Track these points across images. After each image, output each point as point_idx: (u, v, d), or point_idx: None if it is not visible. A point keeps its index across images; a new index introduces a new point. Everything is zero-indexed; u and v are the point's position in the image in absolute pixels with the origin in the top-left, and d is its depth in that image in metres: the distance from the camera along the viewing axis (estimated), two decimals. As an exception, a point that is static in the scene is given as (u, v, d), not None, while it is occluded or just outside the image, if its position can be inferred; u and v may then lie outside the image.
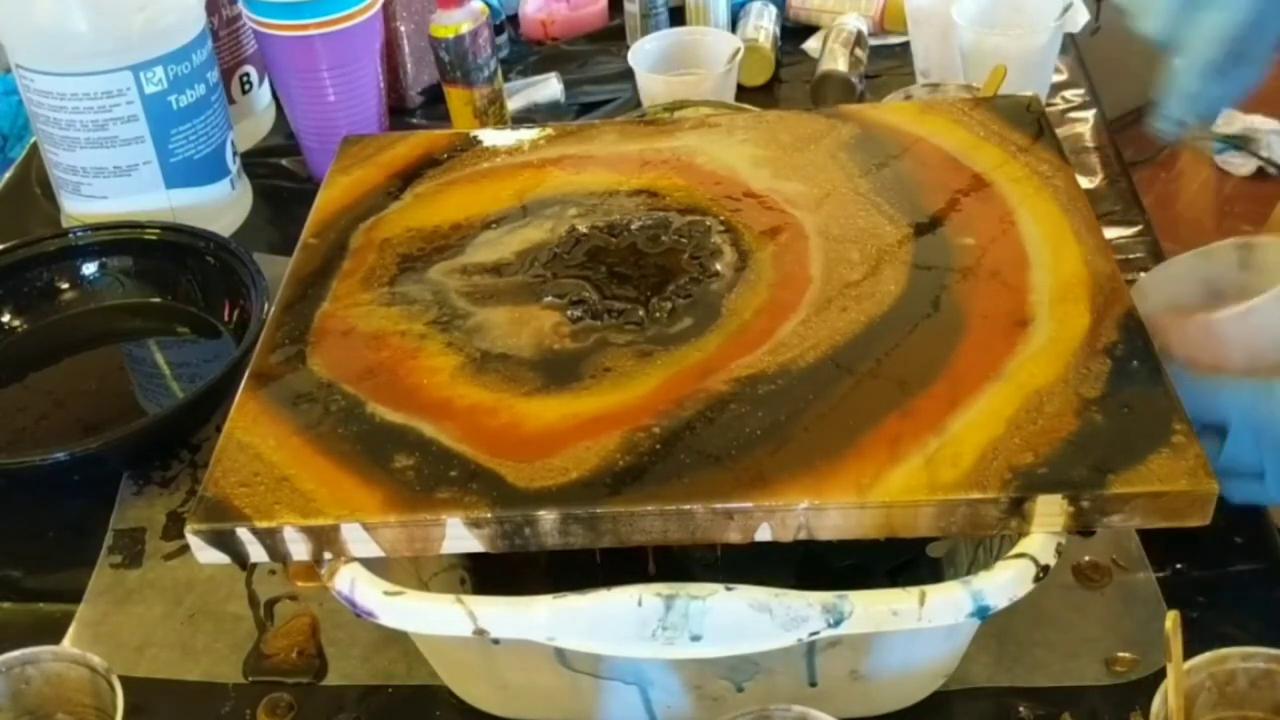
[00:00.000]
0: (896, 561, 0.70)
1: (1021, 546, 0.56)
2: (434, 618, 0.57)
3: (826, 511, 0.56)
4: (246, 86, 1.13)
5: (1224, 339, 0.66)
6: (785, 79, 1.19)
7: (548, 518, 0.56)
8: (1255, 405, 0.62)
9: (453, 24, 1.02)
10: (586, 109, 1.16)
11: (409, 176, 0.80)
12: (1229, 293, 0.72)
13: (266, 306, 0.84)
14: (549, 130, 0.83)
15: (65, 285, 0.95)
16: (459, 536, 0.57)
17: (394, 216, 0.76)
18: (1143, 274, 0.78)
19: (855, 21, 1.17)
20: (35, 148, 1.10)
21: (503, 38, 1.24)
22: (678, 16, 1.22)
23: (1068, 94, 1.12)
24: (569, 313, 0.67)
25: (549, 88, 1.16)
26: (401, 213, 0.76)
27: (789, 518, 0.56)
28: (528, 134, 0.83)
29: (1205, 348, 0.66)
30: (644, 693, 0.62)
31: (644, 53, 1.10)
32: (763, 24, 1.19)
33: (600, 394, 0.62)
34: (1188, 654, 0.57)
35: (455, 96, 1.06)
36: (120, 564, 0.77)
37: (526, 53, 1.26)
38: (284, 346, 0.67)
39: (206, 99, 0.99)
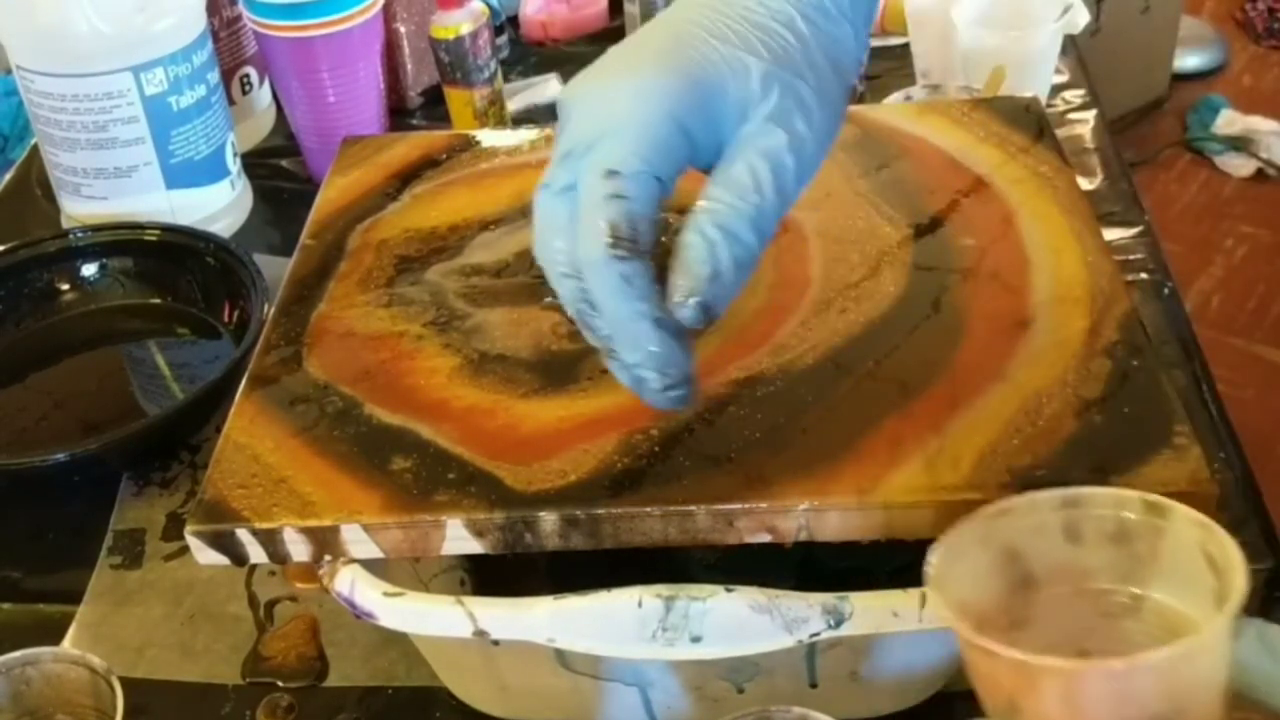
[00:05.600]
0: (897, 563, 0.70)
1: (1021, 548, 0.56)
2: (434, 619, 0.57)
3: (827, 513, 0.56)
4: (247, 87, 1.13)
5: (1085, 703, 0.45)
6: (785, 80, 1.19)
7: (548, 520, 0.56)
8: None
9: (453, 25, 1.02)
10: (586, 110, 1.16)
11: (408, 177, 0.80)
12: (1044, 576, 0.51)
13: (266, 308, 0.84)
14: (548, 131, 0.83)
15: (65, 286, 0.95)
16: (459, 539, 0.57)
17: (392, 218, 0.76)
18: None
19: (855, 22, 1.17)
20: (36, 149, 1.10)
21: (503, 39, 1.23)
22: (678, 17, 1.22)
23: (1068, 95, 1.12)
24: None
25: (549, 89, 1.16)
26: (399, 214, 0.76)
27: (789, 519, 0.56)
28: (527, 135, 0.83)
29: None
30: (644, 694, 0.62)
31: (644, 54, 1.09)
32: (763, 25, 1.19)
33: (598, 396, 0.62)
34: (1187, 655, 0.56)
35: (455, 97, 1.06)
36: (120, 565, 0.77)
37: (526, 54, 1.26)
38: (280, 348, 0.67)
39: (207, 100, 0.99)
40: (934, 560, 0.51)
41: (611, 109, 0.50)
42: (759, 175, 0.50)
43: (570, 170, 0.51)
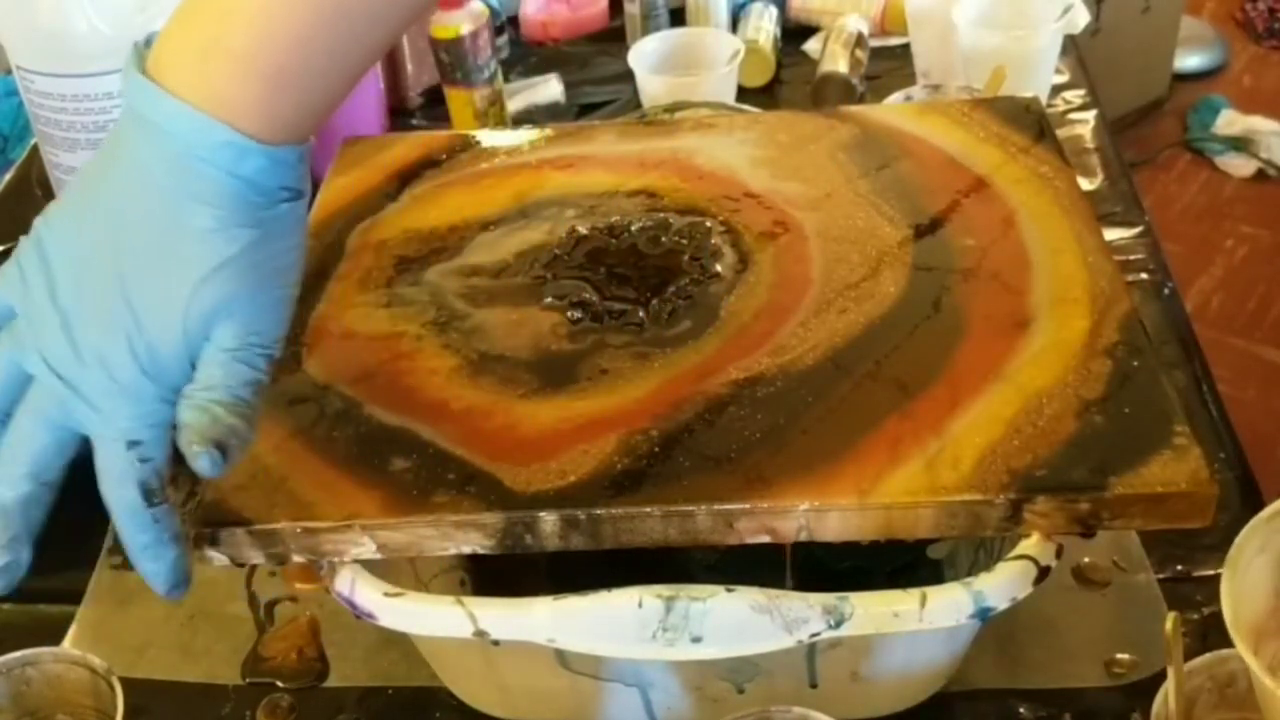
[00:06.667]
0: (897, 563, 0.70)
1: (1022, 548, 0.56)
2: (434, 619, 0.57)
3: (827, 513, 0.55)
4: (246, 88, 1.13)
5: None
6: (785, 80, 1.19)
7: (548, 520, 0.56)
8: None
9: (453, 25, 1.02)
10: (587, 110, 1.16)
11: (407, 178, 0.80)
12: None
13: (266, 308, 0.84)
14: (548, 131, 0.83)
15: (65, 286, 0.95)
16: (459, 539, 0.57)
17: (391, 218, 0.76)
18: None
19: (856, 23, 1.17)
20: (36, 149, 1.10)
21: (503, 39, 1.23)
22: (678, 17, 1.22)
23: (1068, 95, 1.12)
24: (569, 314, 0.67)
25: (549, 89, 1.16)
26: (399, 214, 0.76)
27: (789, 520, 0.56)
28: (527, 135, 0.83)
29: None
30: (644, 694, 0.62)
31: (644, 54, 1.10)
32: (763, 25, 1.19)
33: (597, 396, 0.62)
34: (1188, 655, 0.57)
35: (455, 98, 1.06)
36: (120, 565, 0.77)
37: (527, 54, 1.26)
38: (282, 348, 0.67)
39: (206, 100, 0.99)
40: (1226, 580, 0.53)
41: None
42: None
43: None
